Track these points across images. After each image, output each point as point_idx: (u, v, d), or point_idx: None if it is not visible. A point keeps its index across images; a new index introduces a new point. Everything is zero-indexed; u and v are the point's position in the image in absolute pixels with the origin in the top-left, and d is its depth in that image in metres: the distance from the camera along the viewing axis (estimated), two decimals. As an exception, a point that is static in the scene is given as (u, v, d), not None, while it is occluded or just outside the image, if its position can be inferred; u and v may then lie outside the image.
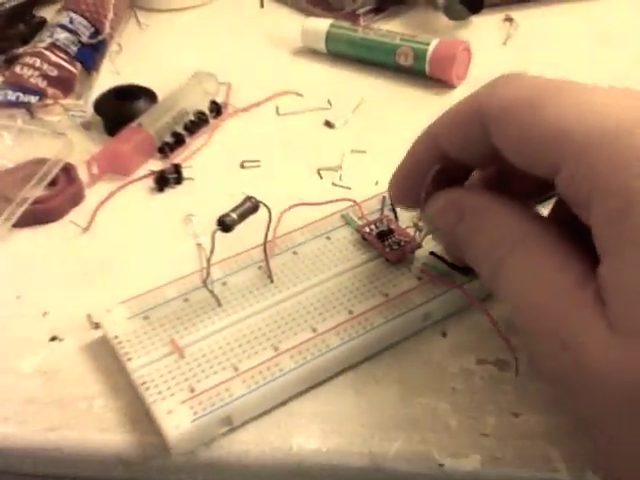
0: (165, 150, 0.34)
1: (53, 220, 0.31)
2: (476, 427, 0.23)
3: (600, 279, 0.17)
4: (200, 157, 0.35)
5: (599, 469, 0.19)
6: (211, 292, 0.24)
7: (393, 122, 0.37)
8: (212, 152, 0.35)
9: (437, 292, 0.25)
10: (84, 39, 0.40)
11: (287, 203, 0.29)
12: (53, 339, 0.25)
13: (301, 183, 0.33)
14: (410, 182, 0.24)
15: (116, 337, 0.24)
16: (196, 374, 0.22)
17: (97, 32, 0.41)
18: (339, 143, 0.35)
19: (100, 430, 0.23)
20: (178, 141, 0.35)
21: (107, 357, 0.24)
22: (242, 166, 0.34)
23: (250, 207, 0.23)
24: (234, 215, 0.23)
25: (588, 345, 0.17)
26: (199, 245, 0.23)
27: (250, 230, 0.24)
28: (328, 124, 0.37)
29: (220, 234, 0.23)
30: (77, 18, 0.40)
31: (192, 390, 0.22)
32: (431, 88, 0.39)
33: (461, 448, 0.22)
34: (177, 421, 0.21)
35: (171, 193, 0.33)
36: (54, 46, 0.39)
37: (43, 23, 0.43)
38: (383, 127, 0.37)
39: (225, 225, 0.23)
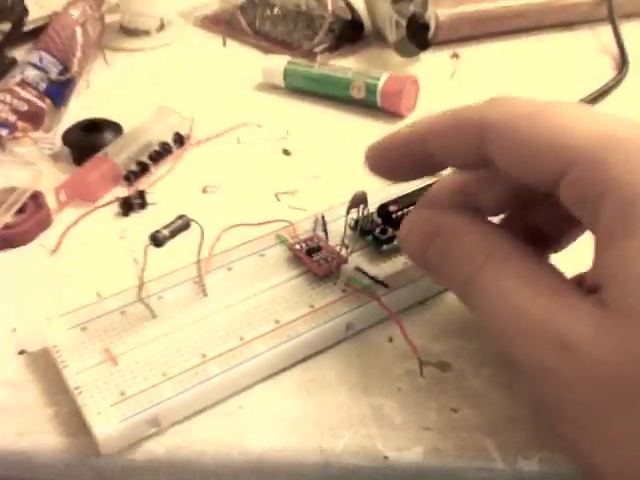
0: (130, 178, 0.36)
1: (22, 244, 0.32)
2: (419, 422, 0.24)
3: (600, 267, 0.19)
4: (164, 184, 0.37)
5: (585, 464, 0.19)
6: (145, 305, 0.26)
7: (346, 150, 0.39)
8: (176, 179, 0.37)
9: (359, 303, 0.27)
10: (53, 76, 0.42)
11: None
12: (21, 353, 0.27)
13: (260, 206, 0.35)
14: (389, 163, 0.25)
15: (55, 346, 0.25)
16: (127, 380, 0.24)
17: (66, 69, 0.43)
18: (296, 169, 0.38)
19: (67, 434, 0.24)
20: (143, 169, 0.37)
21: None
22: (204, 191, 0.36)
23: (181, 225, 0.25)
24: (165, 232, 0.25)
25: (581, 337, 0.18)
26: (134, 260, 0.25)
27: (191, 247, 0.26)
28: (286, 152, 0.39)
29: (161, 252, 0.25)
30: (46, 57, 0.43)
31: (122, 394, 0.23)
32: (382, 119, 0.42)
33: (404, 441, 0.24)
34: (106, 422, 0.23)
35: (136, 217, 0.34)
36: (24, 83, 0.41)
37: (14, 63, 0.45)
38: (337, 154, 0.39)
39: (157, 240, 0.24)
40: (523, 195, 0.25)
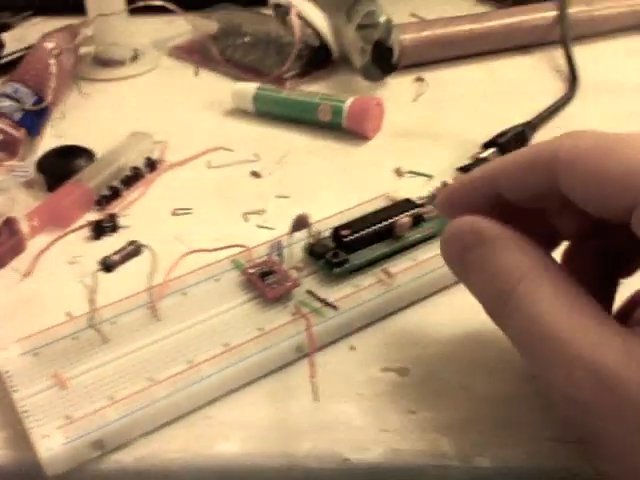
0: (102, 202, 0.37)
1: (-4, 268, 0.33)
2: (378, 424, 0.25)
3: None
4: (136, 207, 0.38)
5: None
6: (96, 330, 0.27)
7: (314, 170, 0.41)
8: (147, 202, 0.38)
9: (308, 326, 0.28)
10: (27, 106, 0.43)
11: (215, 244, 0.32)
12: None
13: (229, 226, 0.36)
14: (461, 204, 0.25)
15: (7, 372, 0.26)
16: (74, 404, 0.25)
17: (40, 99, 0.44)
18: (265, 190, 0.39)
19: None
20: (115, 194, 0.38)
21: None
22: (174, 213, 0.37)
23: (131, 250, 0.26)
24: (116, 257, 0.26)
25: (618, 373, 0.18)
26: (86, 285, 0.26)
27: (148, 273, 0.27)
28: (255, 174, 0.40)
29: (120, 276, 0.25)
30: (21, 88, 0.44)
31: (68, 417, 0.24)
32: (348, 140, 0.44)
33: (364, 443, 0.25)
34: (50, 444, 0.23)
35: (108, 240, 0.35)
36: (-1, 113, 0.42)
37: (-10, 94, 0.46)
38: (305, 175, 0.40)
39: (106, 266, 0.25)
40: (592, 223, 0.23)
